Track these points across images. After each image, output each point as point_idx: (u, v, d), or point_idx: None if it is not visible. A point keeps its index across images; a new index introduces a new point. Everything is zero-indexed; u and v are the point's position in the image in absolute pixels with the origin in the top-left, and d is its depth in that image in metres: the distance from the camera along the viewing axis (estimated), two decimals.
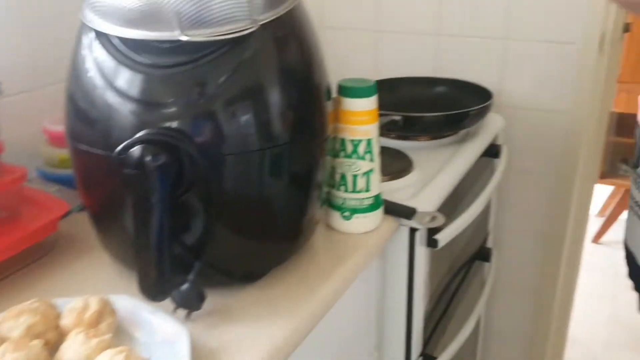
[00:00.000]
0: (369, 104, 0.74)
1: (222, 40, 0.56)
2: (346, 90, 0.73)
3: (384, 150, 0.82)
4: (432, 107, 1.22)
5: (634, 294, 0.88)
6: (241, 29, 0.56)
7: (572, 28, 1.21)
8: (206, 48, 0.56)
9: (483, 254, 1.31)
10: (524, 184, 1.37)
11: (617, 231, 2.59)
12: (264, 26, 0.58)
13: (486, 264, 1.33)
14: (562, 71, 1.24)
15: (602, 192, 2.76)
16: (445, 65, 1.36)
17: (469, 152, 1.08)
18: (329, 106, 0.70)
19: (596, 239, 2.61)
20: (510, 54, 1.29)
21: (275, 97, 0.61)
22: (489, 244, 1.36)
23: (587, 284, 2.08)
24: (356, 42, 1.45)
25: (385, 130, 1.03)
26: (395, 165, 0.97)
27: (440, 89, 1.29)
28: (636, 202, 0.78)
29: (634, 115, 2.62)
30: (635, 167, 0.78)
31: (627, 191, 2.53)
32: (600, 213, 2.74)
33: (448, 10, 1.32)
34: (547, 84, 1.27)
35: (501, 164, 1.18)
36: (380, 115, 0.94)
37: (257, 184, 0.63)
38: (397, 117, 1.04)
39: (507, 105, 1.32)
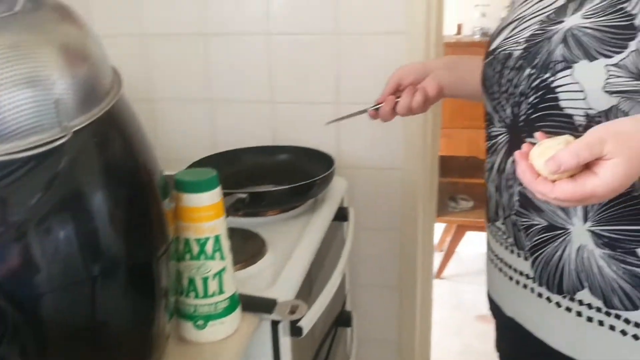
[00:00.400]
0: (213, 197, 0.67)
1: (25, 156, 0.46)
2: (185, 185, 0.66)
3: (233, 233, 0.75)
4: (277, 177, 1.18)
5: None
6: (48, 139, 0.47)
7: None
8: (6, 167, 0.46)
9: (344, 319, 1.28)
10: (373, 239, 1.38)
11: (456, 265, 2.77)
12: (77, 132, 0.49)
13: (348, 329, 1.31)
14: (392, 130, 1.28)
15: (436, 229, 2.93)
16: (284, 132, 1.34)
17: (320, 221, 1.06)
18: (166, 205, 0.62)
19: (438, 274, 2.75)
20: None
21: (101, 211, 0.51)
22: (348, 306, 1.33)
23: (439, 319, 2.16)
24: (190, 113, 1.38)
25: (232, 210, 0.96)
26: (247, 248, 0.91)
27: (282, 157, 1.26)
28: (495, 254, 0.80)
29: (455, 157, 2.82)
30: (492, 220, 0.79)
31: (460, 226, 2.72)
32: (437, 248, 2.91)
33: (279, 79, 1.31)
34: (380, 144, 1.30)
35: (350, 227, 1.17)
36: (225, 195, 0.89)
37: (89, 315, 0.52)
38: (243, 195, 0.98)
39: (347, 166, 1.33)
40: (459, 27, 3.46)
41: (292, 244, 0.96)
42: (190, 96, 1.36)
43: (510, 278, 0.77)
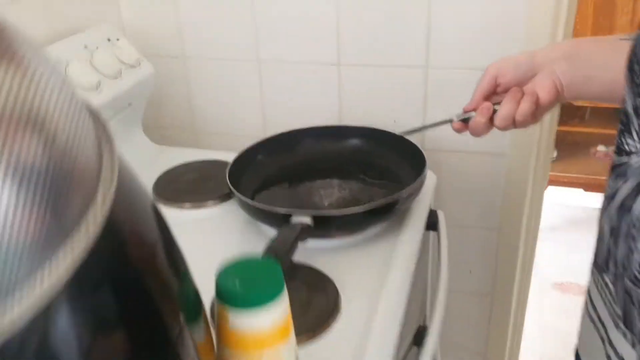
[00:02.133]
0: (276, 314, 0.41)
1: None
2: (233, 298, 0.41)
3: (290, 274, 0.51)
4: (345, 171, 0.92)
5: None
6: None
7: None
8: None
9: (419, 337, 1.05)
10: (462, 238, 1.11)
11: None
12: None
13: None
14: None
15: None
16: (353, 105, 1.06)
17: (409, 246, 0.80)
18: (201, 330, 0.38)
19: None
20: (430, 82, 1.01)
21: None
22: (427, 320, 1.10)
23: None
24: (234, 75, 1.11)
25: (292, 245, 0.72)
26: (314, 305, 0.67)
27: (352, 142, 0.98)
28: (597, 313, 0.54)
29: None
30: (600, 270, 0.53)
31: None
32: None
33: (347, 35, 1.01)
34: None
35: (442, 238, 0.91)
36: (281, 218, 0.64)
37: None
38: (307, 220, 0.73)
39: (433, 149, 1.05)
40: None
41: (376, 287, 0.71)
42: (235, 55, 1.08)
43: (608, 357, 0.52)
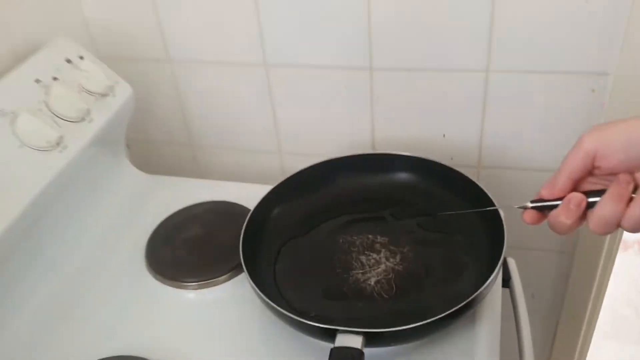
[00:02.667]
0: None
1: None
2: None
3: None
4: (393, 221, 0.72)
5: None
6: None
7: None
8: None
9: None
10: (525, 262, 0.92)
11: None
12: None
13: None
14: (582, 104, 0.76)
15: None
16: (386, 120, 0.84)
17: (488, 340, 0.61)
18: None
19: None
20: (491, 89, 0.78)
21: None
22: None
23: None
24: (235, 81, 0.88)
25: None
26: None
27: (395, 177, 0.77)
28: None
29: None
30: None
31: None
32: None
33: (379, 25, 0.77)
34: (559, 136, 0.79)
35: (519, 296, 0.71)
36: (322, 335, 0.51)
37: None
38: (357, 343, 0.54)
39: (490, 165, 0.84)
40: None
41: None
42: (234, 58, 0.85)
43: None
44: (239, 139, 0.93)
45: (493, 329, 0.63)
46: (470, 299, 0.56)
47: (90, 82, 0.73)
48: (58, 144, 0.66)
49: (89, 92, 0.73)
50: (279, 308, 0.58)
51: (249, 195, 0.80)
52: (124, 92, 0.78)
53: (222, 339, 0.64)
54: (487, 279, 0.59)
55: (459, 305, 0.56)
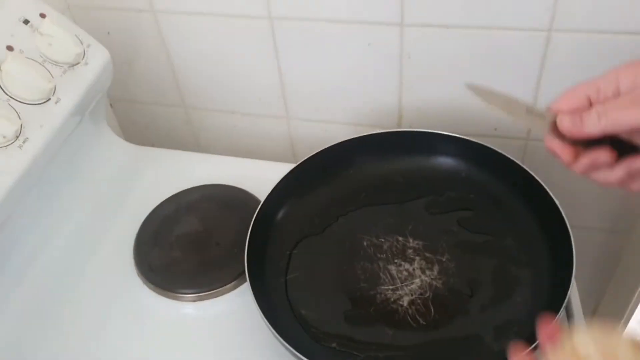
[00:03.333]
0: None
1: None
2: None
3: None
4: (428, 219, 0.60)
5: None
6: None
7: None
8: None
9: None
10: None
11: None
12: None
13: None
14: None
15: None
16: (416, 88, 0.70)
17: None
18: None
19: None
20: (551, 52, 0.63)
21: None
22: None
23: None
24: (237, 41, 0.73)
25: None
26: None
27: (434, 161, 0.64)
28: None
29: None
30: None
31: None
32: None
33: None
34: None
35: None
36: None
37: None
38: None
39: (533, 137, 0.72)
40: None
41: None
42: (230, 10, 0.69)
43: None
44: (238, 102, 0.79)
45: None
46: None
47: (55, 49, 0.59)
48: (17, 137, 0.53)
49: (54, 63, 0.58)
50: (293, 349, 0.47)
51: (252, 174, 0.69)
52: (99, 58, 0.63)
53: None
54: (544, 298, 0.49)
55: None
